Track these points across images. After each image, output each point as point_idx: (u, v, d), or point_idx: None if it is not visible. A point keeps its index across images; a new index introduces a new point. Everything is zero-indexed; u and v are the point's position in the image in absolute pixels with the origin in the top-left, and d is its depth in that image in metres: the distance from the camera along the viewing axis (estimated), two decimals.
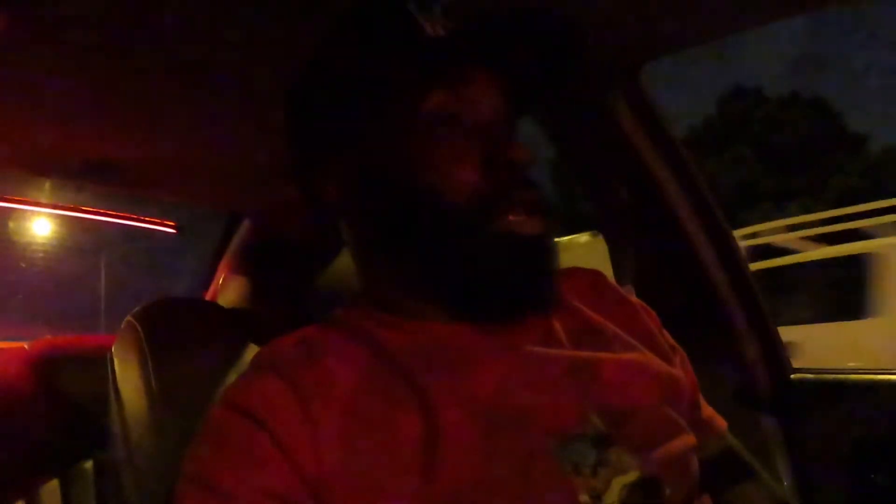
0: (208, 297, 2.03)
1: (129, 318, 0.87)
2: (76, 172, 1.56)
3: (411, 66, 0.61)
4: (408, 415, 0.56)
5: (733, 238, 1.22)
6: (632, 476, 0.58)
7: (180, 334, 0.86)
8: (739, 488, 0.76)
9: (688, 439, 0.64)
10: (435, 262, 0.61)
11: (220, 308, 0.96)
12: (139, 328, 0.84)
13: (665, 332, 0.76)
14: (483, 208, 0.59)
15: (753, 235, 5.37)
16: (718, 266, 1.20)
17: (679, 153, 1.18)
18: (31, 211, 2.34)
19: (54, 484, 1.43)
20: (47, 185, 1.80)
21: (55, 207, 1.85)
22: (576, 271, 0.77)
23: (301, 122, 0.69)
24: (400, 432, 0.55)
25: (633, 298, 0.76)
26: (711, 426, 0.76)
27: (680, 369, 0.71)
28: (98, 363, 1.55)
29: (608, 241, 1.30)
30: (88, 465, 1.43)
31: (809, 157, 14.07)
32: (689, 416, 0.68)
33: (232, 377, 0.80)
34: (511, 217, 0.60)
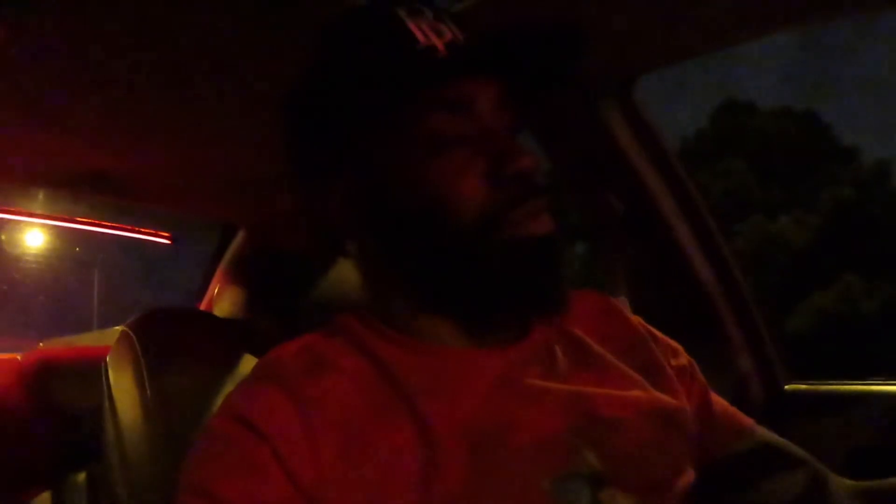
0: (202, 307, 2.03)
1: (123, 327, 0.87)
2: (72, 183, 1.56)
3: (406, 88, 0.60)
4: (405, 436, 0.56)
5: (727, 249, 1.22)
6: None
7: (175, 344, 0.86)
8: (773, 479, 0.71)
9: (688, 477, 0.63)
10: (444, 278, 0.60)
11: (216, 318, 0.96)
12: (134, 337, 0.84)
13: (671, 346, 0.74)
14: (490, 222, 0.58)
15: None
16: (713, 277, 1.21)
17: (673, 165, 1.18)
18: (24, 222, 2.33)
19: (46, 496, 1.42)
20: (40, 195, 1.80)
21: (51, 219, 1.85)
22: (587, 295, 0.75)
23: (299, 138, 0.68)
24: (397, 452, 0.55)
25: (642, 323, 0.75)
26: (730, 423, 0.73)
27: (685, 397, 0.69)
28: (91, 374, 1.55)
29: (601, 252, 1.31)
30: (81, 476, 1.43)
31: (801, 169, 14.16)
32: (697, 429, 0.67)
33: (228, 387, 0.80)
34: (521, 224, 0.59)
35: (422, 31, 0.60)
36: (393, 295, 0.65)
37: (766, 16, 0.96)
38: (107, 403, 0.83)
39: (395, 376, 0.59)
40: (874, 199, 12.74)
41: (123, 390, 0.81)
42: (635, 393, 0.65)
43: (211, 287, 2.00)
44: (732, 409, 0.75)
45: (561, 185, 1.28)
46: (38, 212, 1.84)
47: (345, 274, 0.96)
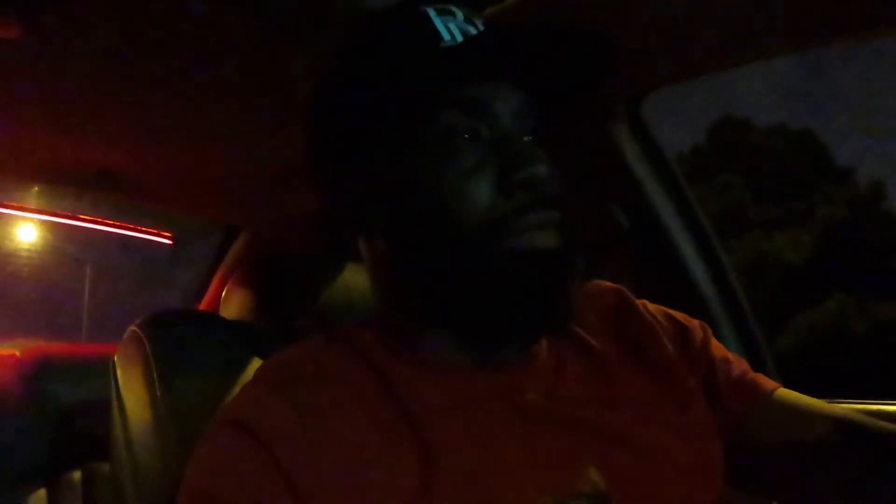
0: (202, 307, 2.03)
1: (132, 327, 0.87)
2: (79, 181, 1.56)
3: (424, 82, 0.59)
4: (405, 453, 0.55)
5: (729, 266, 1.23)
6: None
7: (185, 345, 0.86)
8: (790, 437, 0.67)
9: (709, 497, 0.62)
10: (445, 284, 0.59)
11: (225, 320, 0.96)
12: (143, 337, 0.84)
13: (679, 327, 0.72)
14: (497, 228, 0.57)
15: None
16: (714, 292, 1.22)
17: (678, 181, 1.20)
18: (18, 217, 2.31)
19: (41, 493, 1.41)
20: (35, 190, 1.79)
21: (53, 215, 1.84)
22: (599, 289, 0.74)
23: (317, 133, 0.67)
24: (396, 469, 0.55)
25: (649, 310, 0.73)
26: (743, 391, 0.69)
27: (696, 390, 0.68)
28: (89, 372, 1.55)
29: (607, 265, 1.32)
30: (77, 474, 1.42)
31: (797, 187, 14.23)
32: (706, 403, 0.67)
33: (236, 390, 0.80)
34: (527, 235, 0.58)
35: (448, 31, 0.60)
36: (400, 303, 0.64)
37: (775, 37, 0.97)
38: (115, 403, 0.83)
39: (399, 393, 0.59)
40: (868, 220, 12.82)
41: (132, 390, 0.81)
42: (644, 413, 0.63)
43: (211, 288, 2.00)
44: (751, 377, 0.71)
45: (568, 197, 1.29)
46: (41, 208, 1.84)
47: (352, 281, 0.97)
